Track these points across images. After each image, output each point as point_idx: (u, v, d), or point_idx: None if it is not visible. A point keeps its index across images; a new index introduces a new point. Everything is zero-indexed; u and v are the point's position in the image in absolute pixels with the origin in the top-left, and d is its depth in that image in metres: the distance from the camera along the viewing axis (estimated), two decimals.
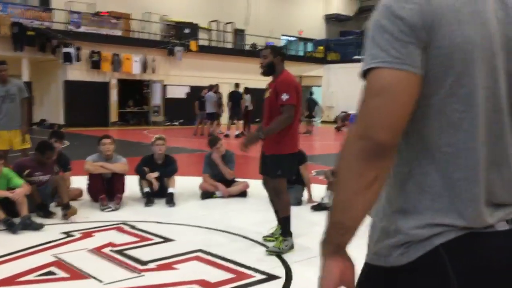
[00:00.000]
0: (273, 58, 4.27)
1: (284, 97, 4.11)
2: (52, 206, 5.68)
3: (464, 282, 1.04)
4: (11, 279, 3.61)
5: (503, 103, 1.08)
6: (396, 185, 1.12)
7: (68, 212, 5.32)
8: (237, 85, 17.02)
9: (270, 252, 4.23)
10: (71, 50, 19.10)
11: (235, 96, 16.88)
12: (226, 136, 16.13)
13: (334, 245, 1.10)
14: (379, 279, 1.12)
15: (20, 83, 7.00)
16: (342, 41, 30.18)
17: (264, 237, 4.62)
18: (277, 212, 4.52)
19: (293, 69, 28.06)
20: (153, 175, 6.29)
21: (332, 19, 31.62)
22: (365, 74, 1.05)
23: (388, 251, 1.09)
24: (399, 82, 1.01)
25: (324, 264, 1.12)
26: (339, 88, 26.43)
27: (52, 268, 3.85)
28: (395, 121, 1.01)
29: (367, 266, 1.15)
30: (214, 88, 16.93)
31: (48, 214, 5.38)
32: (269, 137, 4.28)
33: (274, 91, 4.21)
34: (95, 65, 20.14)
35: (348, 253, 1.13)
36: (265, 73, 4.35)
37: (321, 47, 29.45)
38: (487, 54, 1.04)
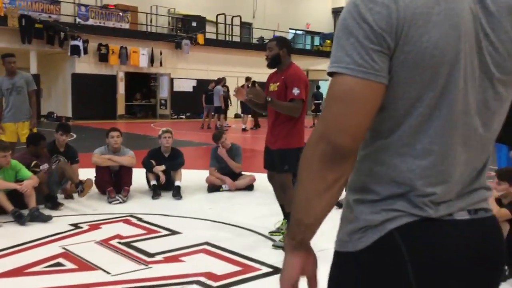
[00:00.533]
0: (279, 50, 4.22)
1: (295, 91, 4.07)
2: (61, 199, 5.72)
3: (418, 265, 1.06)
4: (20, 270, 3.65)
5: (473, 105, 1.08)
6: (355, 176, 1.16)
7: (84, 186, 5.44)
8: (247, 78, 16.96)
9: (277, 246, 4.24)
10: (78, 43, 19.15)
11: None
12: (244, 130, 16.19)
13: (296, 241, 1.14)
14: (342, 264, 1.16)
15: (27, 76, 7.05)
16: None
17: (270, 232, 4.62)
18: (283, 206, 4.53)
19: (300, 63, 27.96)
20: (159, 168, 6.32)
21: (340, 12, 31.25)
22: (330, 74, 1.06)
23: (348, 237, 1.13)
24: (362, 91, 1.01)
25: (286, 258, 1.17)
26: None
27: (60, 260, 3.88)
28: (355, 128, 1.03)
29: (334, 253, 1.19)
30: (221, 81, 16.94)
31: (56, 205, 5.42)
32: (274, 133, 4.26)
33: (283, 84, 4.16)
34: (103, 58, 20.17)
35: (310, 246, 1.17)
36: (271, 65, 4.30)
37: (329, 41, 29.32)
38: (457, 56, 1.03)
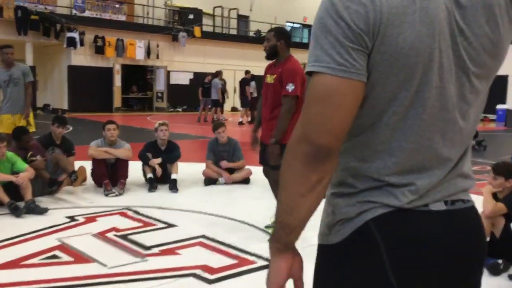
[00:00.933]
0: (276, 41, 4.15)
1: (290, 87, 4.00)
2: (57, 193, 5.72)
3: (394, 255, 1.07)
4: (16, 262, 3.65)
5: (451, 100, 1.08)
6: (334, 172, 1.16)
7: (77, 174, 5.49)
8: (247, 72, 16.94)
9: None
10: (75, 34, 19.05)
11: (244, 83, 16.82)
12: (240, 123, 16.22)
13: (281, 244, 1.13)
14: (324, 257, 1.18)
15: (25, 67, 7.05)
16: None
17: (266, 226, 4.62)
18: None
19: (297, 57, 27.87)
20: (156, 161, 6.31)
21: None
22: (309, 73, 1.06)
23: (328, 230, 1.15)
24: (342, 90, 1.01)
25: (272, 262, 1.15)
26: None
27: (56, 252, 3.89)
28: (336, 127, 1.02)
29: (317, 246, 1.20)
30: (219, 74, 16.94)
31: (60, 184, 5.59)
32: (269, 126, 4.19)
33: (279, 78, 4.09)
34: (99, 50, 20.09)
35: (296, 247, 1.16)
36: (268, 57, 4.25)
37: None
38: (431, 55, 1.03)
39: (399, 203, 1.08)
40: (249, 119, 16.47)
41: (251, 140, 4.47)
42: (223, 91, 16.97)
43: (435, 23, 1.02)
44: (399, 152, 1.08)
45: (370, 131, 1.09)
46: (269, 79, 4.22)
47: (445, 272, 1.10)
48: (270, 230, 4.50)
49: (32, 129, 6.84)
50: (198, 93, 17.11)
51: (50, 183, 5.52)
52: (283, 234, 1.12)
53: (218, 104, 16.73)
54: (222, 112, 17.28)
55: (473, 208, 1.18)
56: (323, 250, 1.18)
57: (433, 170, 1.11)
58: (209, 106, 16.98)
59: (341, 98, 1.01)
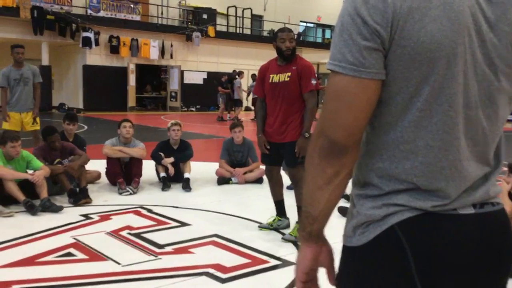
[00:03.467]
0: (296, 43, 4.26)
1: (314, 81, 4.12)
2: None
3: (420, 259, 1.05)
4: (31, 260, 3.70)
5: (474, 98, 1.06)
6: (358, 170, 1.17)
7: (84, 200, 5.37)
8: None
9: (286, 240, 4.24)
10: (90, 34, 19.22)
11: None
12: (253, 120, 16.30)
13: (306, 232, 1.16)
14: (347, 258, 1.17)
15: (34, 68, 7.19)
16: None
17: (259, 226, 4.59)
18: (278, 203, 4.54)
19: (311, 56, 27.90)
20: (168, 161, 6.34)
21: None
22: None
23: (352, 231, 1.15)
24: (353, 89, 1.02)
25: (300, 248, 1.20)
26: None
27: (71, 250, 3.93)
28: (349, 124, 1.04)
29: (342, 247, 1.20)
30: (241, 74, 17.19)
31: (78, 200, 5.32)
32: (284, 125, 4.18)
33: (297, 75, 4.11)
34: (114, 49, 20.23)
35: (324, 237, 1.19)
36: (290, 56, 4.20)
37: None
38: (455, 50, 1.01)
39: (427, 206, 1.07)
40: None
41: (258, 142, 4.41)
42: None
43: (460, 18, 1.01)
44: (426, 151, 1.06)
45: (395, 129, 1.07)
46: (277, 78, 4.19)
47: (473, 277, 1.09)
48: (284, 230, 4.50)
49: (37, 127, 7.02)
50: (220, 91, 17.25)
51: (69, 193, 5.42)
52: (307, 224, 1.16)
53: (239, 104, 16.90)
54: (234, 111, 17.38)
55: (502, 211, 1.15)
56: (347, 251, 1.17)
57: (463, 172, 1.08)
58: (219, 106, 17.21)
59: (352, 97, 1.03)
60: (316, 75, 4.22)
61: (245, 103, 22.05)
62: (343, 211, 5.12)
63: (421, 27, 0.99)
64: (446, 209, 1.08)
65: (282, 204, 4.58)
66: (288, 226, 4.55)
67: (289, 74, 4.15)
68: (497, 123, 1.12)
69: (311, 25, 30.00)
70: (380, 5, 0.99)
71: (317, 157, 1.08)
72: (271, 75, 4.24)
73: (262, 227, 4.59)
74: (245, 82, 21.03)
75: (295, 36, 4.29)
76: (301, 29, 28.46)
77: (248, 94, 17.55)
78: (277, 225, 4.53)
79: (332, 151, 1.06)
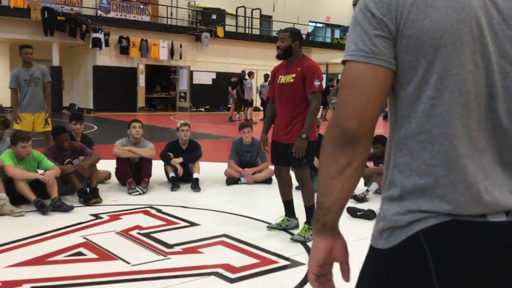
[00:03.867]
0: (292, 42, 4.16)
1: (317, 83, 4.08)
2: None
3: (442, 269, 1.03)
4: (42, 259, 3.73)
5: (489, 88, 1.05)
6: (386, 171, 1.18)
7: (94, 200, 5.40)
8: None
9: (295, 240, 4.24)
10: (100, 35, 19.33)
11: None
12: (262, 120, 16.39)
13: (320, 224, 1.17)
14: (373, 259, 1.17)
15: (43, 67, 7.18)
16: None
17: (268, 227, 4.60)
18: (286, 203, 4.54)
19: (320, 56, 27.87)
20: (177, 161, 6.36)
21: None
22: (343, 63, 1.13)
23: (379, 234, 1.15)
24: (364, 75, 1.06)
25: (313, 241, 1.20)
26: None
27: (81, 249, 3.95)
28: (361, 112, 1.07)
29: (369, 247, 1.20)
30: (252, 75, 17.30)
31: (89, 200, 5.36)
32: (289, 126, 4.20)
33: (301, 76, 4.11)
34: (124, 50, 20.34)
35: (339, 231, 1.19)
36: (281, 56, 4.23)
37: None
38: (461, 38, 1.02)
39: (451, 207, 1.04)
40: None
41: (260, 140, 4.52)
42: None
43: (466, 8, 1.02)
44: (441, 139, 1.05)
45: (409, 121, 1.08)
46: (285, 79, 4.21)
47: None
48: (293, 231, 4.50)
49: (48, 128, 7.00)
50: (230, 93, 17.28)
51: (79, 193, 5.47)
52: (320, 215, 1.16)
53: (249, 104, 16.96)
54: (244, 111, 17.42)
55: None
56: (372, 252, 1.17)
57: (483, 162, 1.05)
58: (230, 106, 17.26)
59: (362, 83, 1.07)
60: (320, 76, 4.16)
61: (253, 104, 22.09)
62: (352, 212, 5.12)
63: (426, 17, 1.03)
64: (473, 214, 1.03)
65: (291, 205, 4.58)
66: (297, 226, 4.55)
67: (293, 75, 4.16)
68: None
69: (320, 25, 29.95)
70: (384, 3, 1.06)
71: (330, 147, 1.10)
72: (280, 76, 4.28)
73: (271, 227, 4.59)
74: (255, 83, 21.04)
75: (288, 35, 4.19)
76: (310, 29, 28.41)
77: (259, 94, 17.55)
78: (286, 226, 4.53)
79: (344, 140, 1.08)
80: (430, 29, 1.02)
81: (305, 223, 4.33)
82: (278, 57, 4.26)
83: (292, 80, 4.16)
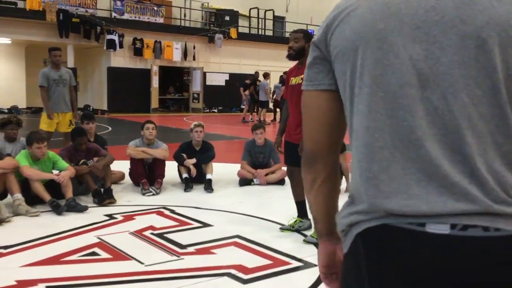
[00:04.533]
0: (305, 43, 4.16)
1: None
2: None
3: (373, 276, 0.99)
4: (56, 259, 3.76)
5: (412, 76, 0.98)
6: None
7: (108, 200, 5.44)
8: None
9: (308, 241, 4.24)
10: (114, 37, 19.48)
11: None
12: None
13: (316, 231, 1.28)
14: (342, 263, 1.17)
15: (71, 72, 7.54)
16: None
17: (281, 228, 4.60)
18: (298, 204, 4.54)
19: None
20: (190, 162, 6.38)
21: None
22: None
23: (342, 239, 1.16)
24: (306, 102, 1.18)
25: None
26: None
27: (95, 249, 3.98)
28: (314, 133, 1.18)
29: None
30: (267, 76, 17.30)
31: (103, 200, 5.40)
32: (298, 126, 4.18)
33: None
34: (138, 52, 20.47)
35: (337, 236, 1.19)
36: (293, 57, 4.23)
37: None
38: (378, 35, 1.01)
39: (383, 217, 0.97)
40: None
41: (275, 142, 4.58)
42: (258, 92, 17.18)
43: (385, 8, 1.02)
44: (363, 132, 1.02)
45: (352, 131, 1.09)
46: (294, 81, 4.26)
47: None
48: (285, 232, 4.53)
49: (71, 129, 7.06)
50: (242, 94, 17.31)
51: (94, 193, 5.51)
52: (314, 224, 1.29)
53: (265, 105, 16.95)
54: (257, 113, 17.41)
55: (500, 241, 0.91)
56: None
57: (422, 158, 0.96)
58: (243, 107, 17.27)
59: (307, 108, 1.18)
60: None
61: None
62: None
63: (347, 25, 1.07)
64: (410, 222, 0.93)
65: (303, 205, 4.56)
66: (309, 227, 4.53)
67: (302, 76, 4.17)
68: (474, 109, 0.95)
69: None
70: (323, 28, 1.13)
71: (302, 166, 1.22)
72: (291, 78, 4.33)
73: (283, 228, 4.59)
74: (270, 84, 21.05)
75: (302, 36, 4.19)
76: None
77: (273, 95, 17.55)
78: (298, 227, 4.53)
79: (307, 160, 1.20)
80: (349, 34, 1.06)
81: (299, 226, 4.43)
82: (290, 57, 4.26)
83: (300, 81, 4.17)
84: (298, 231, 4.51)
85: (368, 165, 1.01)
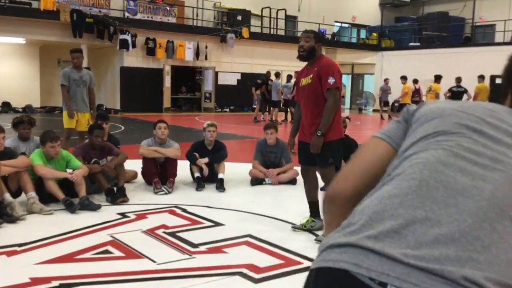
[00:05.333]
0: (315, 43, 4.23)
1: (331, 80, 4.13)
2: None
3: None
4: (70, 256, 3.80)
5: None
6: None
7: (121, 199, 5.47)
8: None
9: (320, 241, 4.23)
10: (127, 37, 19.59)
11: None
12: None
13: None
14: None
15: (91, 73, 7.73)
16: (397, 27, 29.32)
17: (293, 227, 4.61)
18: (311, 203, 4.56)
19: (346, 57, 27.61)
20: (203, 161, 6.40)
21: (387, 5, 30.76)
22: None
23: None
24: (369, 143, 1.17)
25: None
26: (392, 75, 25.83)
27: (108, 247, 4.01)
28: (351, 171, 1.16)
29: None
30: (278, 76, 17.34)
31: (116, 199, 5.45)
32: (311, 126, 4.25)
33: (317, 76, 4.18)
34: (150, 51, 20.55)
35: None
36: (304, 57, 4.28)
37: (375, 34, 28.79)
38: None
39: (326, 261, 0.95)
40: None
41: (288, 144, 4.61)
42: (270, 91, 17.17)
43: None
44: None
45: None
46: (304, 81, 4.32)
47: None
48: (297, 231, 4.53)
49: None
50: (254, 93, 17.32)
51: (107, 192, 5.56)
52: (325, 226, 1.22)
53: (277, 105, 16.97)
54: (269, 112, 17.42)
55: None
56: None
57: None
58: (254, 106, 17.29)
59: (366, 148, 1.18)
60: (336, 73, 4.18)
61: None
62: None
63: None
64: (371, 277, 0.85)
65: (316, 205, 4.57)
66: (322, 227, 4.53)
67: (311, 75, 4.24)
68: None
69: (346, 25, 29.73)
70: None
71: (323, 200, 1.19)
72: (302, 79, 4.39)
73: (295, 227, 4.59)
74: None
75: (313, 36, 4.26)
76: (335, 29, 28.24)
77: (282, 95, 17.53)
78: (310, 226, 4.53)
79: (327, 197, 1.17)
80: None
81: (311, 226, 4.43)
82: (301, 57, 4.31)
83: (310, 81, 4.24)
84: (309, 230, 4.51)
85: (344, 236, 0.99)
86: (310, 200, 4.58)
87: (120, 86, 20.32)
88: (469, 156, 0.96)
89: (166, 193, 5.95)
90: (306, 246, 4.12)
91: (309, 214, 4.60)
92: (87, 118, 7.40)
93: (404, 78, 18.17)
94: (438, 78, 16.37)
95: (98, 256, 3.84)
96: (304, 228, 4.53)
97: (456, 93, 15.43)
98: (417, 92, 19.90)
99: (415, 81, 20.44)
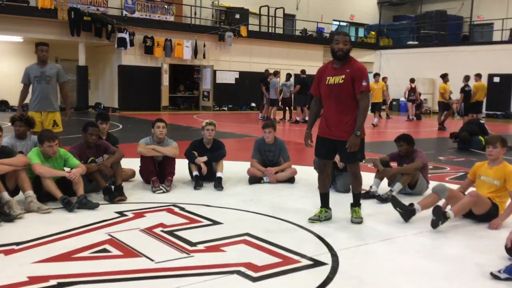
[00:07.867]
0: (350, 46, 4.54)
1: (364, 83, 4.45)
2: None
3: None
4: (67, 255, 3.79)
5: None
6: None
7: (118, 198, 5.47)
8: (303, 71, 17.01)
9: (355, 223, 4.72)
10: (125, 35, 19.55)
11: (301, 82, 16.75)
12: (296, 122, 16.62)
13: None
14: None
15: (59, 67, 6.95)
16: (395, 26, 29.35)
17: (310, 219, 4.79)
18: (323, 195, 4.85)
19: None
20: (201, 160, 6.40)
21: (385, 3, 30.79)
22: None
23: None
24: None
25: None
26: (390, 74, 25.86)
27: (106, 246, 4.01)
28: None
29: None
30: (277, 74, 17.34)
31: (114, 198, 5.45)
32: (342, 123, 4.52)
33: (351, 78, 4.45)
34: (148, 50, 20.52)
35: None
36: (342, 58, 4.52)
37: (373, 32, 28.80)
38: None
39: None
40: (301, 118, 16.59)
41: (305, 137, 4.79)
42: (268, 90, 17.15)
43: None
44: None
45: None
46: (334, 80, 4.55)
47: None
48: (299, 228, 4.58)
49: (59, 129, 6.78)
50: (264, 92, 17.34)
51: (104, 191, 5.54)
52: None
53: (275, 103, 16.96)
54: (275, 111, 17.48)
55: None
56: None
57: None
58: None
59: None
60: (367, 77, 4.51)
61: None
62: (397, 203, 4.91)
63: None
64: None
65: (327, 197, 4.89)
66: (331, 217, 4.86)
67: (343, 76, 4.50)
68: None
69: (344, 23, 29.73)
70: None
71: None
72: (328, 77, 4.61)
73: (312, 219, 4.78)
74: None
75: (349, 39, 4.56)
76: (333, 28, 28.23)
77: (280, 94, 17.47)
78: (325, 216, 4.79)
79: None
80: None
81: (354, 206, 4.83)
82: (339, 57, 4.52)
83: (341, 81, 4.50)
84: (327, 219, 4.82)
85: None
86: (323, 192, 4.86)
87: (118, 85, 20.30)
88: None
89: (164, 192, 5.95)
90: (304, 244, 4.12)
91: (321, 205, 4.85)
92: (51, 118, 6.73)
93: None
94: (444, 77, 15.60)
95: (96, 254, 3.83)
96: (320, 219, 4.76)
97: (468, 93, 15.23)
98: (413, 91, 19.92)
99: (412, 80, 20.43)
